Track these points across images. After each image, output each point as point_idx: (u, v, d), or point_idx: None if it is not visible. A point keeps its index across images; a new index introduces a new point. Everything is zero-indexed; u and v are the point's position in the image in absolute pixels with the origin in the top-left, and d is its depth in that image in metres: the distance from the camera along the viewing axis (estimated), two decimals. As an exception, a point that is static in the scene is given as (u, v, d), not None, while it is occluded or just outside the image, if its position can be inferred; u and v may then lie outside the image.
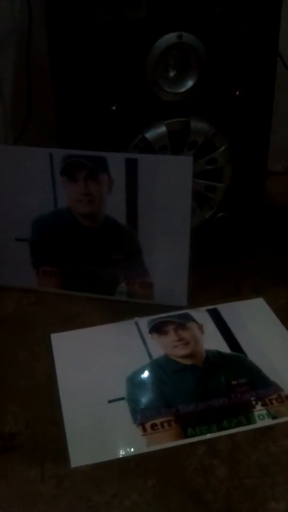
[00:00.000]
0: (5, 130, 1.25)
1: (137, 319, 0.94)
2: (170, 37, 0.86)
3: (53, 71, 1.05)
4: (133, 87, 0.89)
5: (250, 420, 0.76)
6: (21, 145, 1.14)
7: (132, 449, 0.72)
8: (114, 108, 0.89)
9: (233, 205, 1.03)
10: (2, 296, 1.00)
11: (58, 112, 1.06)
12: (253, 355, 0.86)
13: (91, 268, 0.98)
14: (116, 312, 0.96)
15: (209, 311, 0.96)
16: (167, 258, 0.94)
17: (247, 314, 0.95)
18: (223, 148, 0.96)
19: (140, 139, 0.92)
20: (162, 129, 0.92)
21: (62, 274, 1.00)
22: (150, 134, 0.91)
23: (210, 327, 0.92)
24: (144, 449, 0.72)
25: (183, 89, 0.90)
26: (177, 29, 0.86)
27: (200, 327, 0.92)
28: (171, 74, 0.90)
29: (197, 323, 0.93)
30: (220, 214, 1.03)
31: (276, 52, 0.96)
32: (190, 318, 0.94)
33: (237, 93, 0.93)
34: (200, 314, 0.95)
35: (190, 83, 0.90)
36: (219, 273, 1.05)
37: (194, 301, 0.97)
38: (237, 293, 1.00)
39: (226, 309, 0.96)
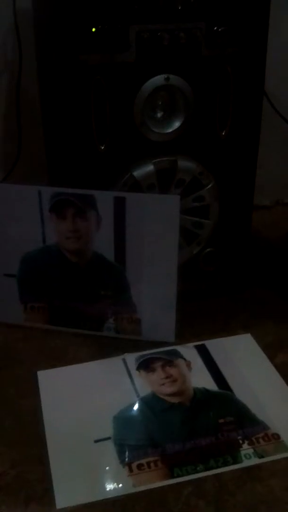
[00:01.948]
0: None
1: (125, 355, 0.94)
2: (157, 79, 0.89)
3: (43, 111, 1.08)
4: (122, 128, 0.90)
5: (236, 460, 0.76)
6: (11, 182, 1.16)
7: (118, 490, 0.72)
8: (103, 147, 0.91)
9: (220, 241, 1.04)
10: (-10, 331, 1.00)
11: (48, 151, 1.08)
12: (240, 392, 0.86)
13: (79, 304, 0.99)
14: (104, 348, 0.96)
15: (197, 347, 0.96)
16: (154, 294, 0.95)
17: (235, 350, 0.95)
18: (210, 186, 0.98)
19: (128, 178, 0.93)
20: (150, 167, 0.93)
21: (49, 310, 1.00)
22: (138, 173, 0.93)
23: (198, 363, 0.93)
24: (131, 490, 0.72)
25: (170, 130, 0.92)
26: (164, 71, 0.89)
27: (188, 364, 0.92)
28: (159, 115, 0.92)
29: (185, 359, 0.93)
30: (207, 250, 1.04)
31: (262, 91, 0.98)
32: (178, 354, 0.94)
33: (223, 133, 0.95)
34: (188, 351, 0.95)
35: (177, 124, 0.92)
36: (207, 308, 1.05)
37: (182, 337, 0.97)
38: (225, 329, 1.01)
39: (214, 345, 0.96)
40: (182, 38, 0.87)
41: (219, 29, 0.88)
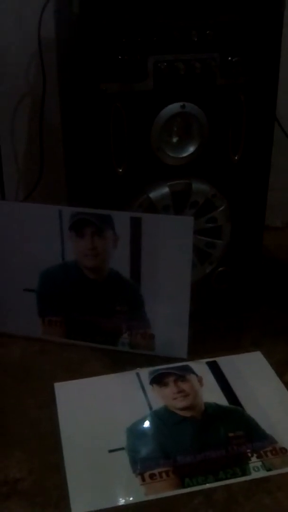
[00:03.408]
0: (17, 187, 1.32)
1: (138, 370, 0.97)
2: (174, 107, 0.93)
3: (64, 134, 1.12)
4: (139, 151, 0.95)
5: (245, 472, 0.78)
6: (32, 201, 1.20)
7: (131, 498, 0.75)
8: (120, 170, 0.95)
9: (232, 260, 1.07)
10: (9, 344, 1.04)
11: (68, 172, 1.12)
12: (250, 408, 0.89)
13: (95, 318, 1.02)
14: (118, 362, 0.99)
15: (208, 363, 0.99)
16: (168, 311, 0.98)
17: (245, 367, 0.98)
18: (222, 207, 1.02)
19: (144, 199, 0.97)
20: (165, 190, 0.97)
21: (66, 324, 1.04)
22: (154, 194, 0.97)
23: (209, 379, 0.96)
24: (143, 498, 0.75)
25: (185, 154, 0.96)
26: (180, 99, 0.93)
27: (200, 380, 0.95)
28: (174, 140, 0.96)
29: (197, 375, 0.96)
30: (220, 269, 1.08)
31: (273, 118, 1.02)
32: (190, 370, 0.97)
33: (236, 157, 0.99)
34: (200, 366, 0.98)
35: (192, 149, 0.96)
36: (218, 326, 1.08)
37: (194, 353, 1.00)
38: (236, 346, 1.03)
39: (225, 362, 0.99)
40: (198, 68, 0.91)
41: (233, 59, 0.92)
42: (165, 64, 0.90)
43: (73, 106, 1.00)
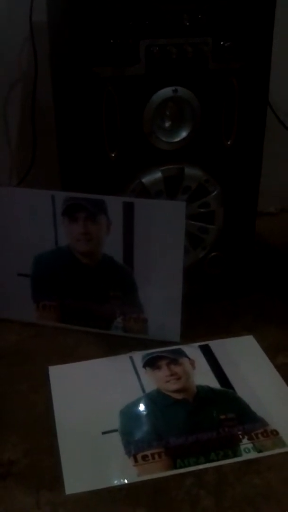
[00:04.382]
0: (10, 172, 1.32)
1: (132, 353, 0.98)
2: (166, 91, 0.93)
3: (57, 119, 1.12)
4: (131, 136, 0.95)
5: (236, 453, 0.80)
6: (25, 186, 1.20)
7: (123, 479, 0.76)
8: (113, 155, 0.95)
9: (225, 245, 1.08)
10: (4, 329, 1.05)
11: (61, 158, 1.12)
12: (242, 390, 0.90)
13: (88, 303, 1.03)
14: (112, 346, 1.00)
15: (201, 347, 1.00)
16: (161, 295, 0.99)
17: (237, 351, 0.99)
18: (215, 192, 1.02)
19: (137, 184, 0.97)
20: (158, 175, 0.97)
21: (61, 309, 1.05)
22: (146, 179, 0.97)
23: (201, 362, 0.97)
24: (135, 479, 0.76)
25: (178, 139, 0.97)
26: (173, 84, 0.93)
27: (192, 363, 0.96)
28: (167, 124, 0.97)
29: (189, 358, 0.97)
30: (212, 254, 1.08)
31: (266, 102, 1.02)
32: (182, 353, 0.98)
33: (229, 142, 0.99)
34: (192, 350, 0.99)
35: (184, 134, 0.97)
36: (211, 310, 1.09)
37: (187, 337, 1.01)
38: (228, 330, 1.05)
39: (217, 346, 1.00)
40: (190, 52, 0.91)
41: (225, 44, 0.92)
42: (157, 48, 0.90)
43: (66, 90, 1.00)
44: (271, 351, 0.99)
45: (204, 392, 0.90)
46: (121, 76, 0.90)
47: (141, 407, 0.88)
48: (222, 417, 0.86)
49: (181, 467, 0.78)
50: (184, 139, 0.97)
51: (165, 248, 0.95)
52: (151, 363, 0.96)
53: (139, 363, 0.96)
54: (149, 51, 0.90)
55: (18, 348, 1.01)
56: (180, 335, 1.00)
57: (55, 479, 0.76)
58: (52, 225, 0.99)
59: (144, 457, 0.79)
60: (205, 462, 0.78)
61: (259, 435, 0.82)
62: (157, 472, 0.77)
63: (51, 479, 0.76)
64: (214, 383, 0.92)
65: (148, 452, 0.80)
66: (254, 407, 0.87)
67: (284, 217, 1.48)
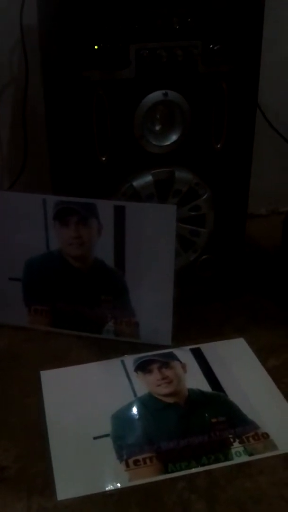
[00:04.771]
0: (1, 176, 1.31)
1: (123, 357, 0.98)
2: (156, 95, 0.93)
3: (48, 123, 1.12)
4: (122, 140, 0.95)
5: (227, 457, 0.80)
6: (16, 190, 1.20)
7: (115, 484, 0.76)
8: (104, 158, 0.95)
9: (216, 248, 1.08)
10: (-5, 333, 1.05)
11: (52, 161, 1.12)
12: (233, 394, 0.91)
13: (80, 307, 1.03)
14: (104, 350, 1.00)
15: (192, 350, 1.00)
16: (152, 299, 0.99)
17: (228, 354, 0.99)
18: (205, 196, 1.02)
19: (128, 187, 0.97)
20: (149, 178, 0.98)
21: (52, 313, 1.04)
22: (137, 183, 0.97)
23: (193, 366, 0.97)
24: (127, 484, 0.76)
25: (168, 142, 0.97)
26: (163, 87, 0.93)
27: (183, 366, 0.96)
28: (157, 128, 0.97)
29: (181, 362, 0.97)
30: (203, 257, 1.08)
31: (255, 105, 1.02)
32: (174, 357, 0.98)
33: (219, 145, 0.99)
34: (184, 353, 0.99)
35: (174, 137, 0.97)
36: (202, 313, 1.09)
37: (178, 340, 1.01)
38: (219, 333, 1.05)
39: (208, 349, 1.00)
40: (180, 55, 0.91)
41: (215, 47, 0.92)
42: (147, 51, 0.90)
43: (56, 94, 0.99)
44: (262, 353, 0.99)
45: (195, 395, 0.91)
46: (111, 79, 0.90)
47: (133, 411, 0.88)
48: (214, 420, 0.86)
49: (172, 471, 0.78)
50: (174, 142, 0.97)
51: (156, 251, 0.95)
52: (143, 367, 0.96)
53: (130, 367, 0.96)
54: (139, 54, 0.90)
55: (9, 352, 1.01)
56: (172, 338, 1.00)
57: (47, 485, 0.76)
58: (43, 229, 0.99)
59: (136, 462, 0.79)
60: (196, 466, 0.78)
61: (250, 438, 0.83)
62: (148, 476, 0.77)
63: (42, 485, 0.76)
64: (205, 387, 0.92)
65: (139, 457, 0.80)
66: (245, 410, 0.87)
67: (274, 219, 1.48)
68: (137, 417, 0.87)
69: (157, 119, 0.96)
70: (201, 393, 0.91)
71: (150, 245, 0.95)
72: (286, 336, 1.03)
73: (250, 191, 1.07)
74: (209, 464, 0.79)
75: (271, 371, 0.95)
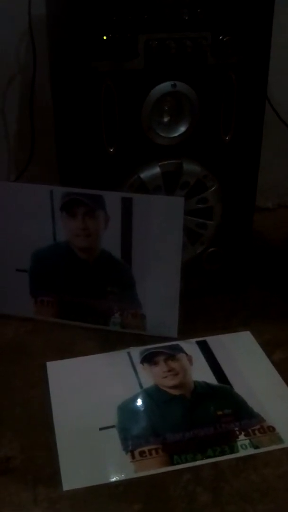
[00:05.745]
0: (8, 167, 1.31)
1: (129, 349, 0.98)
2: (165, 86, 0.92)
3: (55, 114, 1.12)
4: (130, 131, 0.94)
5: (233, 449, 0.80)
6: (23, 182, 1.20)
7: (121, 475, 0.76)
8: (111, 150, 0.95)
9: (223, 241, 1.08)
10: (1, 324, 1.05)
11: (60, 153, 1.12)
12: (239, 387, 0.90)
13: (86, 299, 1.03)
14: (110, 342, 1.00)
15: (198, 343, 1.00)
16: (159, 291, 0.99)
17: (235, 346, 0.99)
18: (213, 188, 1.02)
19: (135, 179, 0.97)
20: (156, 170, 0.97)
21: (58, 304, 1.05)
22: (145, 175, 0.97)
23: (199, 358, 0.97)
24: (132, 475, 0.76)
25: (176, 134, 0.96)
26: (171, 78, 0.92)
27: (189, 359, 0.96)
28: (165, 119, 0.96)
29: (187, 354, 0.97)
30: (210, 249, 1.08)
31: (264, 97, 1.02)
32: (180, 349, 0.98)
33: (227, 137, 0.99)
34: (190, 346, 0.99)
35: (182, 128, 0.96)
36: (209, 306, 1.09)
37: (185, 333, 1.01)
38: (225, 326, 1.05)
39: (214, 342, 1.00)
40: (189, 47, 0.91)
41: (224, 39, 0.92)
42: (156, 42, 0.89)
43: (64, 85, 0.99)
44: (268, 346, 0.99)
45: (201, 388, 0.90)
46: (119, 70, 0.90)
47: (139, 402, 0.88)
48: (219, 413, 0.86)
49: (178, 463, 0.78)
50: (182, 134, 0.96)
51: (163, 243, 0.95)
52: (149, 358, 0.96)
53: (136, 359, 0.96)
54: (148, 45, 0.89)
55: (15, 343, 1.01)
56: (178, 330, 1.00)
57: (53, 475, 0.76)
58: (50, 220, 0.99)
59: (142, 453, 0.79)
60: (202, 458, 0.78)
61: (256, 431, 0.83)
62: (154, 468, 0.77)
63: (48, 475, 0.76)
64: (211, 379, 0.92)
65: (145, 448, 0.80)
66: (251, 403, 0.87)
67: (282, 212, 1.47)
68: (143, 408, 0.87)
69: (166, 111, 0.96)
70: (207, 385, 0.91)
71: (157, 237, 0.95)
72: (292, 330, 1.03)
73: (257, 184, 1.06)
74: (214, 456, 0.79)
75: (277, 364, 0.95)
